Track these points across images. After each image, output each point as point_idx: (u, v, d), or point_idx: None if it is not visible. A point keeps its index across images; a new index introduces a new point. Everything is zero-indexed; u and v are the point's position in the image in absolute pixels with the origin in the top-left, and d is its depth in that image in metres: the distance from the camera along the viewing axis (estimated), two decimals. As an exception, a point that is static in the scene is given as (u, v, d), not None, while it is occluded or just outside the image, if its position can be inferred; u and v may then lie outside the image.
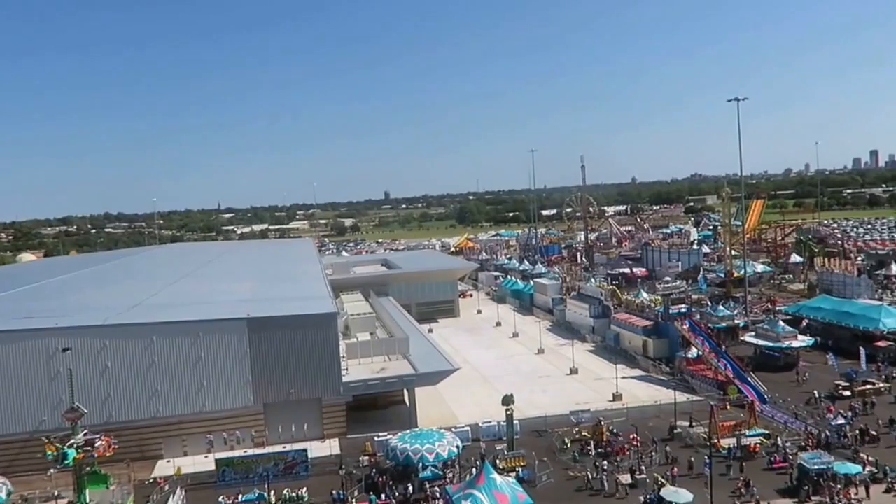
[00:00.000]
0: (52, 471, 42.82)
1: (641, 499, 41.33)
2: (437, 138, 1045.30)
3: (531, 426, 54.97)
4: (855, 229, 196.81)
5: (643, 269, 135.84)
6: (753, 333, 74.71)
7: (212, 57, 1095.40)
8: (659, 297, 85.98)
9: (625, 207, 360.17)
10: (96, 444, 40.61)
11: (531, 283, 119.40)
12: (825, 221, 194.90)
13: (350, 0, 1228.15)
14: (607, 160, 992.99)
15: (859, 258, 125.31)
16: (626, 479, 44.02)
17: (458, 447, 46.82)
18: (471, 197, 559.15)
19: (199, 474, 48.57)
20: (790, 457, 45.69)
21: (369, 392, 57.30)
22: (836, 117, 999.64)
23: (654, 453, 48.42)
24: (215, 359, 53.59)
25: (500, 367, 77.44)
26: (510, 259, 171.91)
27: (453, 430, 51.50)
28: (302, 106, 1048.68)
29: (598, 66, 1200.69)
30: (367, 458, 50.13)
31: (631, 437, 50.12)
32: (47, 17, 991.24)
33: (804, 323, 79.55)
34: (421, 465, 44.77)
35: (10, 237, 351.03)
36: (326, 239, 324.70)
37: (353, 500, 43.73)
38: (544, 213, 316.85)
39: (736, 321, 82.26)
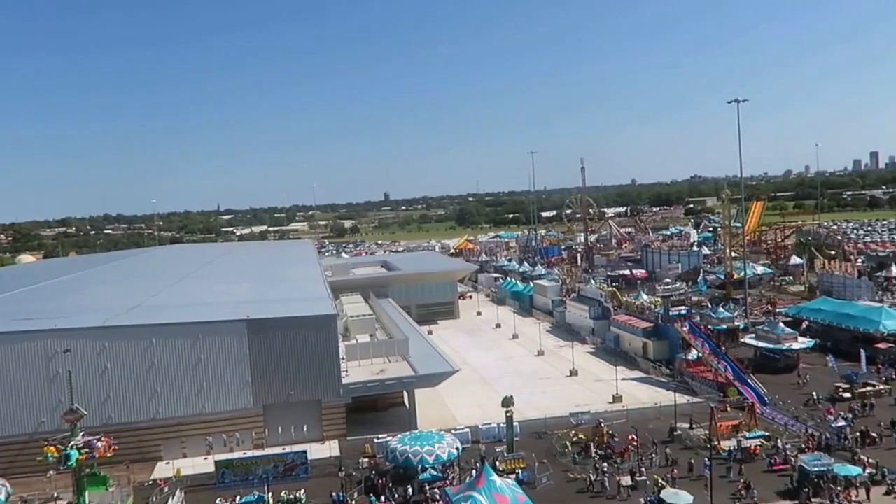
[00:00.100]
0: (51, 472, 42.82)
1: (642, 501, 41.28)
2: (436, 139, 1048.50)
3: (531, 428, 54.88)
4: (855, 231, 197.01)
5: (643, 271, 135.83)
6: (753, 335, 74.65)
7: (211, 58, 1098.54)
8: (659, 299, 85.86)
9: (625, 209, 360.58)
10: (97, 445, 40.57)
11: (531, 284, 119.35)
12: (825, 223, 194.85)
13: (350, 0, 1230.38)
14: (607, 162, 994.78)
15: (859, 260, 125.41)
16: (626, 480, 43.99)
17: (457, 449, 46.76)
18: (470, 198, 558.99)
19: (199, 476, 48.48)
20: (791, 459, 45.66)
21: (369, 394, 57.25)
22: (836, 119, 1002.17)
23: (654, 455, 48.37)
24: (215, 360, 53.53)
25: (500, 368, 77.38)
26: (510, 261, 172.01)
27: (453, 431, 51.46)
28: (301, 107, 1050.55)
29: (598, 67, 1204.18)
30: (366, 459, 50.03)
31: (629, 437, 50.01)
32: (47, 16, 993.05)
33: (804, 325, 79.46)
34: (421, 466, 44.73)
35: (10, 238, 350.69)
36: (326, 240, 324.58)
37: (353, 502, 43.72)
38: (544, 214, 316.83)
39: (736, 323, 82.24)
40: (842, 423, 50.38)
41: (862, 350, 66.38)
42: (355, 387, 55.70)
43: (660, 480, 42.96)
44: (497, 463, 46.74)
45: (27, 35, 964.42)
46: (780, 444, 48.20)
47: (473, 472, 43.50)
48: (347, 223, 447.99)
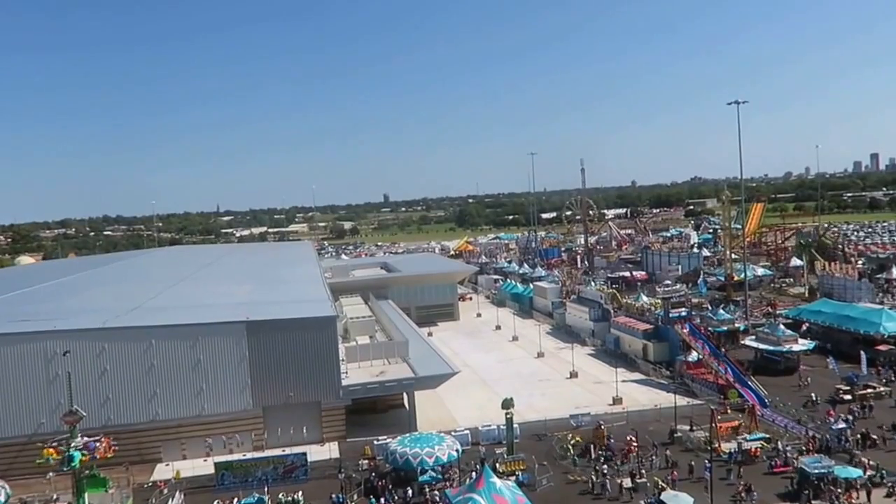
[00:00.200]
0: (51, 474, 42.72)
1: (642, 503, 41.25)
2: (436, 139, 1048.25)
3: (531, 430, 54.83)
4: (855, 233, 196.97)
5: (643, 273, 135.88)
6: (754, 337, 74.60)
7: (211, 57, 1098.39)
8: (659, 301, 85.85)
9: (625, 210, 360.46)
10: (95, 446, 40.44)
11: (531, 286, 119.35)
12: (825, 225, 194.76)
13: (350, 0, 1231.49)
14: (607, 163, 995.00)
15: (860, 262, 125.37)
16: (626, 482, 43.92)
17: (457, 451, 46.72)
18: (470, 200, 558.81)
19: (198, 478, 48.40)
20: (791, 461, 45.59)
21: (369, 395, 57.22)
22: (836, 120, 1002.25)
23: (654, 457, 48.28)
24: (214, 362, 53.47)
25: (500, 370, 77.31)
26: (510, 262, 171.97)
27: (453, 433, 51.40)
28: (301, 108, 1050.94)
29: (597, 67, 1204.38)
30: (366, 461, 49.96)
31: (628, 438, 49.91)
32: (45, 15, 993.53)
33: (805, 326, 79.48)
34: (420, 468, 44.70)
35: (9, 240, 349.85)
36: (325, 242, 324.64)
37: (353, 504, 43.63)
38: (544, 216, 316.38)
39: (736, 325, 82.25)
40: (842, 425, 50.34)
41: (862, 352, 66.39)
42: (355, 388, 55.65)
43: (660, 482, 42.87)
44: (497, 465, 46.65)
45: (27, 35, 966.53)
46: (780, 447, 48.13)
47: (473, 473, 43.36)
48: (347, 224, 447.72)
